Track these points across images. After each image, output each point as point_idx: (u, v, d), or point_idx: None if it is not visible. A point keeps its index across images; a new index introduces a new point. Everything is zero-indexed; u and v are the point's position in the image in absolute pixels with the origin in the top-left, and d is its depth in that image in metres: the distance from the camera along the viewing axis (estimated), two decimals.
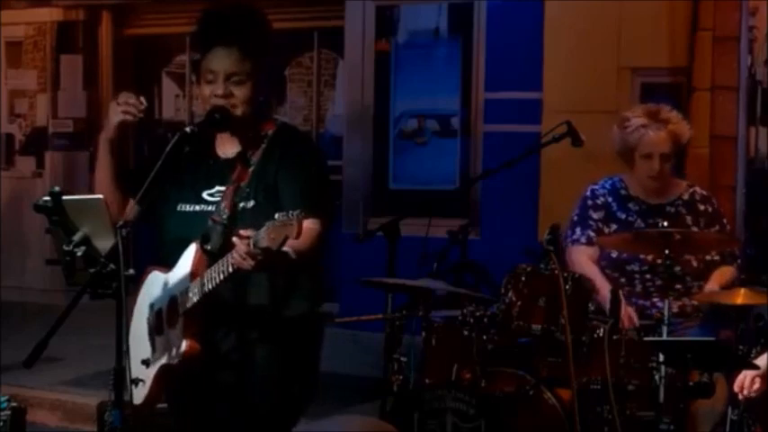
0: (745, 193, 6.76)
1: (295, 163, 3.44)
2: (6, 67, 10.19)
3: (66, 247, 3.19)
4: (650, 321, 4.42)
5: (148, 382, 3.44)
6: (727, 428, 4.29)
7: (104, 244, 3.19)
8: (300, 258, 3.24)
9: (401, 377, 4.47)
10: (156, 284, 3.52)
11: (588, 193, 4.87)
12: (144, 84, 10.35)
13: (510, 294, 4.40)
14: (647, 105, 4.86)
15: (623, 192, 4.84)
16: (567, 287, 4.28)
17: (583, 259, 4.75)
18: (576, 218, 4.85)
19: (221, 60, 3.40)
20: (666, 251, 4.34)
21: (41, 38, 10.05)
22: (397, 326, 4.53)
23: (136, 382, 3.44)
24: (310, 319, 3.53)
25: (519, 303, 4.37)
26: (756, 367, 3.91)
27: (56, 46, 10.00)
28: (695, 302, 4.71)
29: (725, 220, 4.88)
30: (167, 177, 3.35)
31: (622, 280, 4.73)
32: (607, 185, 4.87)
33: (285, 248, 3.08)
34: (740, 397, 3.96)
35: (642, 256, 4.68)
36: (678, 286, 4.69)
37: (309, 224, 3.31)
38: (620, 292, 4.48)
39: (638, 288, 4.73)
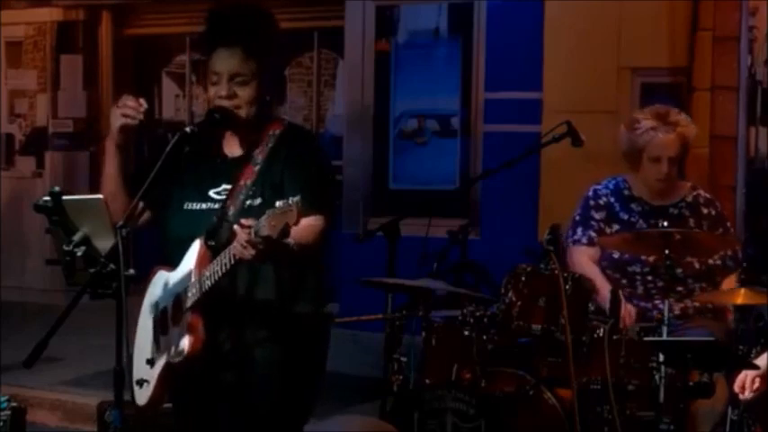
0: (745, 193, 6.76)
1: (299, 161, 3.45)
2: (6, 67, 10.19)
3: (66, 247, 3.19)
4: (652, 324, 4.41)
5: (153, 383, 3.43)
6: (727, 428, 4.29)
7: (104, 244, 3.19)
8: (302, 251, 3.25)
9: (401, 377, 4.48)
10: (161, 283, 3.52)
11: (590, 193, 4.86)
12: (144, 84, 10.35)
13: (510, 294, 4.40)
14: (656, 107, 4.83)
15: (626, 192, 4.83)
16: (567, 287, 4.29)
17: (583, 260, 4.75)
18: (577, 217, 4.85)
19: (225, 61, 3.40)
20: (667, 251, 4.34)
21: (41, 38, 10.05)
22: (397, 326, 4.53)
23: (141, 383, 3.45)
24: (316, 319, 3.53)
25: (519, 303, 4.37)
26: (756, 367, 3.91)
27: (56, 46, 10.00)
28: (697, 304, 4.70)
29: (728, 224, 4.88)
30: (169, 177, 3.35)
31: (624, 281, 4.72)
32: (610, 185, 4.86)
33: (287, 240, 3.08)
34: (741, 397, 3.96)
35: (644, 258, 4.67)
36: (680, 288, 4.68)
37: (312, 220, 3.32)
38: (620, 292, 4.48)
39: (640, 290, 4.72)
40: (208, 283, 3.27)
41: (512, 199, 7.50)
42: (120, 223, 3.14)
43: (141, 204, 3.32)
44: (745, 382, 3.94)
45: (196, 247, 3.38)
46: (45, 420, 6.41)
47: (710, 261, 4.75)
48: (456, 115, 8.21)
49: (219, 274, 3.23)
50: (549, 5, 7.39)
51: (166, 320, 3.46)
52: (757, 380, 3.91)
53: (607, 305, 4.45)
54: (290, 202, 2.99)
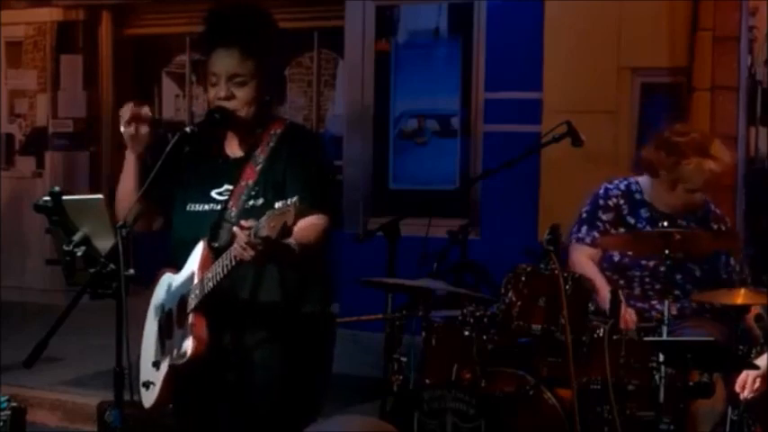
0: (745, 193, 6.76)
1: (300, 160, 3.45)
2: (6, 67, 10.18)
3: (66, 247, 3.19)
4: (649, 324, 4.41)
5: (158, 385, 3.44)
6: (727, 428, 4.29)
7: (104, 244, 3.19)
8: (304, 251, 3.24)
9: (401, 377, 4.48)
10: (166, 286, 3.53)
11: (601, 192, 4.82)
12: (144, 84, 10.36)
13: (510, 294, 4.40)
14: (700, 137, 4.72)
15: (638, 196, 4.78)
16: (567, 287, 4.28)
17: (582, 259, 4.74)
18: (584, 215, 4.81)
19: (222, 62, 3.40)
20: (666, 251, 4.34)
21: (41, 38, 10.05)
22: (397, 326, 4.53)
23: (147, 385, 3.46)
24: (321, 319, 3.53)
25: (519, 303, 4.37)
26: (756, 367, 3.91)
27: (56, 46, 10.00)
28: (694, 305, 4.70)
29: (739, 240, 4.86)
30: (170, 177, 3.35)
31: (621, 282, 4.72)
32: (621, 186, 4.81)
33: (288, 240, 3.08)
34: (741, 397, 3.96)
35: (644, 262, 4.65)
36: (677, 292, 4.68)
37: (315, 219, 3.32)
38: (620, 292, 4.48)
39: (637, 291, 4.71)
40: (210, 284, 3.27)
41: (512, 199, 7.50)
42: (120, 223, 3.14)
43: (150, 207, 3.31)
44: (746, 382, 3.94)
45: (199, 248, 3.38)
46: (45, 420, 6.40)
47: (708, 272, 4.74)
48: (456, 115, 8.21)
49: (221, 275, 3.23)
50: (549, 5, 7.39)
51: (171, 323, 3.47)
52: (758, 380, 3.91)
53: (606, 305, 4.45)
54: (289, 202, 2.99)
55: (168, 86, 10.32)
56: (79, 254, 3.17)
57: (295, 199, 3.00)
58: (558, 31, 7.34)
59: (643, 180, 4.81)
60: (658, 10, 7.04)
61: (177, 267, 3.49)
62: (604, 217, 4.77)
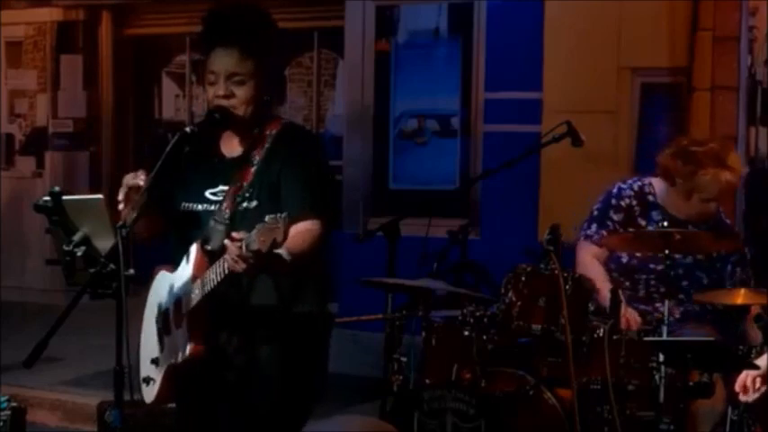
0: (745, 193, 6.76)
1: (297, 162, 3.43)
2: (6, 67, 10.18)
3: (66, 247, 3.19)
4: (651, 327, 4.41)
5: (158, 381, 3.46)
6: (727, 428, 4.29)
7: (104, 244, 3.19)
8: (297, 260, 3.23)
9: (401, 377, 4.48)
10: (163, 284, 3.53)
11: (615, 191, 4.80)
12: (144, 84, 10.36)
13: (510, 294, 4.40)
14: (718, 146, 4.70)
15: (650, 198, 4.77)
16: (567, 287, 4.28)
17: (588, 258, 4.73)
18: (596, 212, 4.80)
19: (221, 61, 3.40)
20: (667, 251, 4.34)
21: (41, 38, 10.05)
22: (397, 326, 4.53)
23: (147, 380, 3.49)
24: (317, 319, 3.53)
25: (519, 303, 4.37)
26: (756, 367, 3.91)
27: (56, 46, 10.00)
28: (697, 307, 4.69)
29: (746, 249, 4.86)
30: (170, 178, 3.35)
31: (628, 284, 4.71)
32: (635, 187, 4.79)
33: (279, 251, 3.08)
34: (741, 397, 3.96)
35: (652, 266, 4.64)
36: (681, 296, 4.68)
37: (309, 225, 3.32)
38: (621, 292, 4.48)
39: (642, 293, 4.71)
40: (205, 289, 3.28)
41: (512, 199, 7.50)
42: (120, 223, 3.14)
43: (150, 206, 3.30)
44: (746, 383, 3.94)
45: (193, 250, 3.38)
46: (45, 420, 6.40)
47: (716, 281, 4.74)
48: (456, 115, 8.21)
49: (216, 282, 3.23)
50: (549, 5, 7.39)
51: (168, 321, 3.47)
52: (758, 380, 3.91)
53: (607, 304, 4.44)
54: (278, 218, 2.99)
55: (168, 86, 10.32)
56: (79, 254, 3.17)
57: (284, 215, 3.00)
58: (558, 31, 7.34)
59: (657, 183, 4.79)
60: (658, 10, 7.04)
61: (174, 265, 3.49)
62: (615, 217, 4.75)
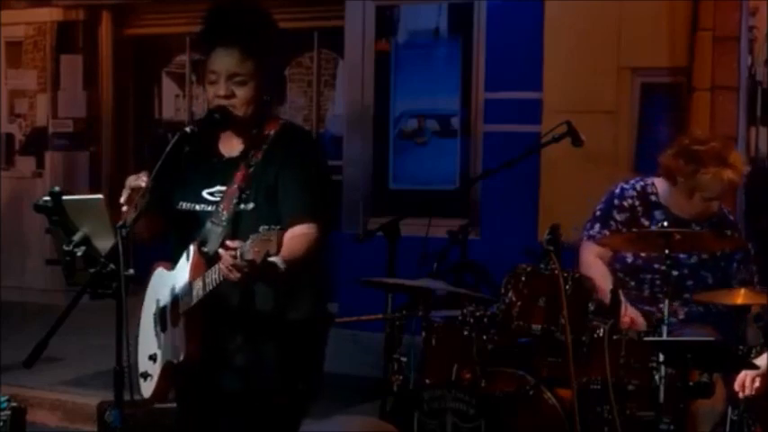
0: (745, 193, 6.76)
1: (294, 163, 3.43)
2: (6, 67, 10.19)
3: (66, 247, 3.19)
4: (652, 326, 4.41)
5: (155, 377, 3.46)
6: (727, 428, 4.29)
7: (104, 244, 3.19)
8: (293, 266, 3.23)
9: (401, 377, 4.48)
10: (161, 281, 3.54)
11: (617, 191, 4.80)
12: (144, 84, 10.36)
13: (510, 294, 4.40)
14: (719, 145, 4.70)
15: (653, 198, 4.77)
16: (567, 287, 4.28)
17: (591, 258, 4.73)
18: (598, 212, 4.80)
19: (222, 61, 3.39)
20: (667, 251, 4.34)
21: (41, 38, 10.05)
22: (397, 326, 4.53)
23: (144, 375, 3.50)
24: (314, 321, 3.53)
25: (519, 303, 4.37)
26: (756, 367, 3.91)
27: (56, 46, 10.00)
28: (701, 308, 4.69)
29: (750, 246, 4.86)
30: (170, 177, 3.35)
31: (632, 284, 4.71)
32: (638, 187, 4.79)
33: (274, 259, 3.08)
34: (740, 396, 3.96)
35: (657, 266, 4.64)
36: (686, 295, 4.68)
37: (305, 229, 3.32)
38: (620, 292, 4.47)
39: (646, 293, 4.70)
40: (201, 293, 3.28)
41: (512, 199, 7.50)
42: (120, 223, 3.14)
43: (150, 207, 3.30)
44: (745, 382, 3.94)
45: (191, 252, 3.38)
46: (45, 420, 6.40)
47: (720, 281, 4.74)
48: (456, 115, 8.21)
49: (211, 287, 3.23)
50: (549, 5, 7.39)
51: (165, 318, 3.47)
52: (757, 380, 3.91)
53: (608, 300, 4.44)
54: (272, 229, 2.99)
55: (168, 86, 10.32)
56: (79, 254, 3.17)
57: (278, 228, 3.00)
58: (558, 31, 7.34)
59: (659, 182, 4.79)
60: (658, 10, 7.04)
61: (173, 263, 3.49)
62: (618, 217, 4.75)
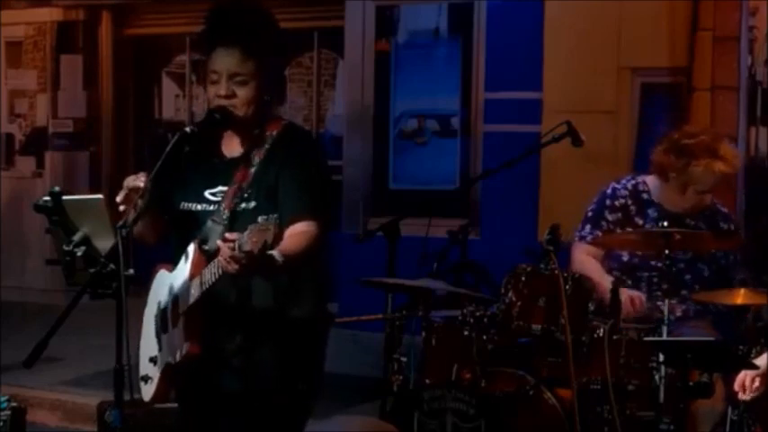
0: (745, 193, 6.76)
1: (294, 163, 3.43)
2: (6, 67, 10.19)
3: (66, 247, 3.19)
4: (651, 324, 4.41)
5: (156, 380, 3.46)
6: (727, 428, 4.29)
7: (104, 244, 3.19)
8: (291, 262, 3.23)
9: (401, 377, 4.48)
10: (162, 283, 3.54)
11: (609, 191, 4.81)
12: (144, 84, 10.36)
13: (510, 294, 4.40)
14: (710, 138, 4.70)
15: (645, 196, 4.78)
16: (567, 287, 4.28)
17: (583, 257, 4.73)
18: (590, 214, 4.81)
19: (223, 60, 3.39)
20: (667, 251, 4.34)
21: (41, 38, 10.05)
22: (397, 326, 4.53)
23: (145, 379, 3.49)
24: (315, 320, 3.53)
25: (519, 303, 4.37)
26: (756, 367, 3.91)
27: (56, 46, 10.00)
28: (699, 307, 4.69)
29: (744, 238, 4.86)
30: (170, 178, 3.35)
31: (629, 282, 4.71)
32: (629, 186, 4.80)
33: (272, 252, 3.08)
34: (740, 396, 3.96)
35: (653, 263, 4.65)
36: (684, 292, 4.68)
37: (305, 227, 3.32)
38: (621, 289, 4.47)
39: (644, 290, 4.70)
40: (201, 289, 3.28)
41: (512, 199, 7.50)
42: (120, 223, 3.14)
43: (150, 206, 3.30)
44: (745, 382, 3.94)
45: (191, 250, 3.38)
46: (45, 420, 6.41)
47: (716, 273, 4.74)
48: (456, 115, 8.21)
49: (211, 282, 3.23)
50: (549, 5, 7.39)
51: (166, 320, 3.47)
52: (757, 380, 3.91)
53: (608, 295, 4.44)
54: (269, 219, 3.00)
55: (168, 86, 10.32)
56: (79, 254, 3.17)
57: (275, 217, 3.00)
58: (558, 31, 7.34)
59: (651, 180, 4.80)
60: (658, 10, 7.04)
61: (174, 264, 3.49)
62: (610, 217, 4.76)
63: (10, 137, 10.26)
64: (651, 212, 4.74)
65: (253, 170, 3.43)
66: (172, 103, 10.33)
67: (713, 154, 4.60)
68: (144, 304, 3.63)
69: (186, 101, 10.13)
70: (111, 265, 3.11)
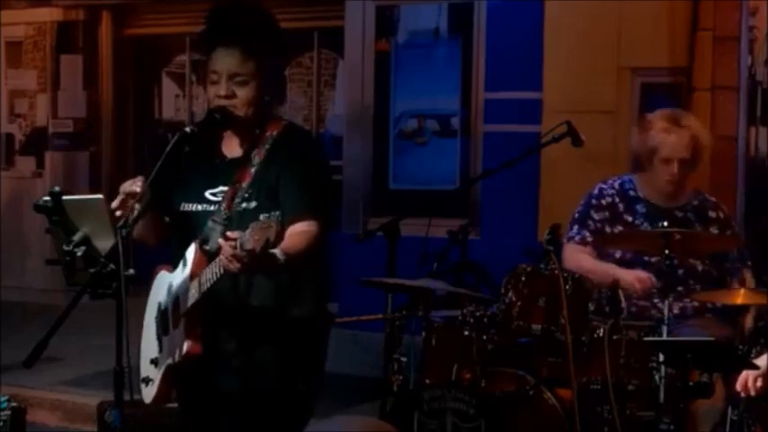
0: (745, 193, 6.76)
1: (295, 163, 3.43)
2: (6, 67, 10.19)
3: (66, 247, 3.19)
4: (650, 322, 4.41)
5: (157, 381, 3.46)
6: (727, 428, 4.29)
7: (104, 244, 3.19)
8: (292, 261, 3.23)
9: (401, 377, 4.48)
10: (163, 284, 3.54)
11: (595, 191, 4.83)
12: (144, 84, 10.36)
13: (510, 294, 4.40)
14: (671, 110, 4.81)
15: (632, 193, 4.80)
16: (567, 287, 4.29)
17: (574, 255, 4.73)
18: (577, 215, 4.83)
19: (223, 61, 3.39)
20: (667, 251, 4.34)
21: (41, 38, 10.05)
22: (397, 326, 4.53)
23: (146, 381, 3.49)
24: (316, 319, 3.53)
25: (519, 303, 4.37)
26: (756, 367, 3.91)
27: (56, 46, 10.00)
28: (696, 304, 4.70)
29: (735, 226, 4.86)
30: (170, 178, 3.35)
31: None
32: (615, 185, 4.83)
33: (274, 251, 3.08)
34: (742, 395, 3.96)
35: (646, 258, 4.66)
36: (680, 288, 4.68)
37: (305, 226, 3.32)
38: (620, 285, 4.48)
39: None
40: (203, 288, 3.27)
41: (512, 199, 7.50)
42: (121, 223, 3.14)
43: (150, 206, 3.30)
44: (748, 382, 3.94)
45: (192, 250, 3.38)
46: (45, 420, 6.41)
47: (710, 265, 4.74)
48: (456, 115, 8.21)
49: (212, 281, 3.23)
50: (549, 5, 7.39)
51: (167, 321, 3.47)
52: (759, 380, 3.91)
53: (609, 279, 4.45)
54: (271, 217, 3.00)
55: (168, 86, 10.32)
56: (79, 254, 3.17)
57: (277, 214, 3.01)
58: (558, 31, 7.34)
59: (636, 177, 4.84)
60: (658, 10, 7.04)
61: (174, 265, 3.49)
62: (597, 216, 4.78)
63: (10, 137, 10.26)
64: (639, 208, 4.77)
65: (253, 170, 3.43)
66: (172, 103, 10.33)
67: (674, 122, 4.67)
68: (144, 304, 3.63)
69: (186, 101, 10.13)
70: (111, 265, 3.11)
